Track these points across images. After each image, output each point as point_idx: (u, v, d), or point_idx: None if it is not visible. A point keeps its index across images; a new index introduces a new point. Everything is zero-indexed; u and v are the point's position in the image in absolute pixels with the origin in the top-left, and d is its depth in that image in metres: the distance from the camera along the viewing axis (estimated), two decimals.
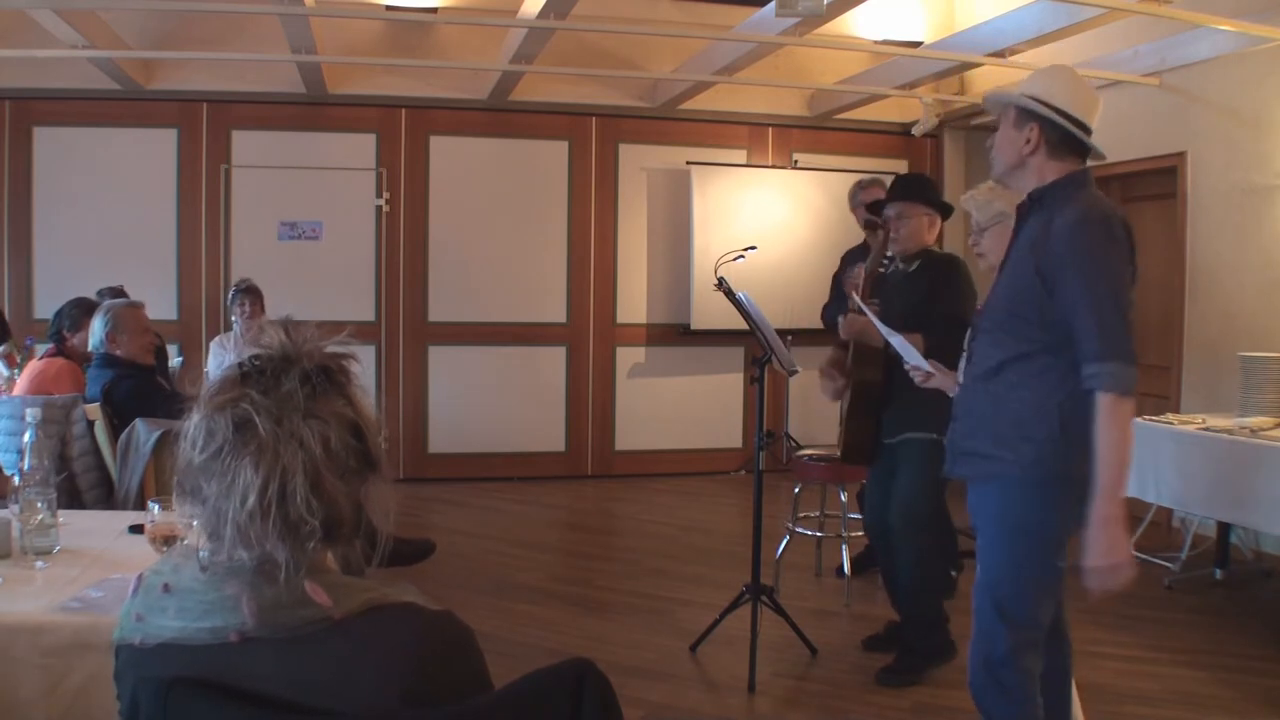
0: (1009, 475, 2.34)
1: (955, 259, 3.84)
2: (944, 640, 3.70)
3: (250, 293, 5.65)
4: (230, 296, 5.82)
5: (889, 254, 3.90)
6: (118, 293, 5.11)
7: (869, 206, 4.23)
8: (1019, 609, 2.38)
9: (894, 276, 3.83)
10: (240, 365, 1.18)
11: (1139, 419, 4.73)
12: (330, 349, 1.22)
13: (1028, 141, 2.34)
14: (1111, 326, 2.20)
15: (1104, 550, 2.18)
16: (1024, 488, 2.33)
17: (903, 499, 3.67)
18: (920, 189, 3.84)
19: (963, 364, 2.67)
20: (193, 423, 1.15)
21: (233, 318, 5.77)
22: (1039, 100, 2.32)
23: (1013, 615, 2.38)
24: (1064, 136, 2.32)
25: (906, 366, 3.00)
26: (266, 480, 1.10)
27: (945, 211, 3.82)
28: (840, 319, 3.90)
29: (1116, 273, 2.22)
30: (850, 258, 5.00)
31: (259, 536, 1.12)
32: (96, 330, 3.78)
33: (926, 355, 2.97)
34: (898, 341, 3.02)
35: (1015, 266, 2.37)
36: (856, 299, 3.61)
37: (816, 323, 5.31)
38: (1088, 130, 2.33)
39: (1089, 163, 2.37)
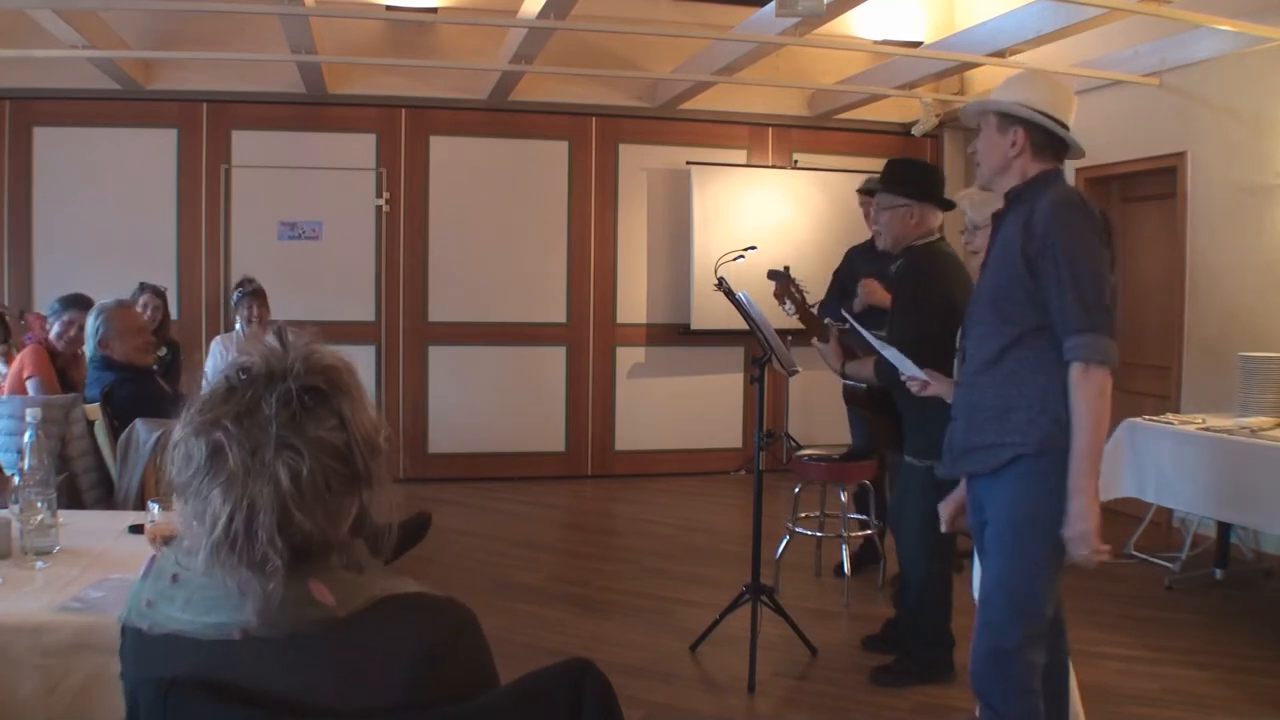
0: (1020, 460, 2.35)
1: (926, 257, 3.47)
2: (945, 661, 3.65)
3: (256, 295, 5.52)
4: (235, 298, 5.71)
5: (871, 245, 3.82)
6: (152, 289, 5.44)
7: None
8: (1032, 600, 2.38)
9: (887, 278, 3.77)
10: (227, 378, 1.17)
11: (1139, 419, 4.74)
12: (324, 360, 1.19)
13: (1013, 144, 2.43)
14: (1088, 299, 2.25)
15: (1071, 519, 2.26)
16: (1034, 474, 2.34)
17: (906, 530, 3.66)
18: (899, 177, 3.53)
19: (956, 364, 2.67)
20: (176, 438, 1.16)
21: (236, 318, 5.65)
22: (1024, 105, 2.42)
23: (1025, 607, 2.38)
24: (1047, 138, 2.42)
25: (903, 377, 3.00)
26: (233, 512, 1.11)
27: (940, 204, 3.52)
28: (814, 340, 3.74)
29: (1095, 251, 2.29)
30: (855, 254, 5.00)
31: (227, 564, 1.12)
32: (90, 334, 3.78)
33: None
34: (890, 354, 3.02)
35: (999, 259, 2.43)
36: (851, 318, 3.35)
37: None
38: (1066, 129, 2.44)
39: (1077, 164, 2.44)
